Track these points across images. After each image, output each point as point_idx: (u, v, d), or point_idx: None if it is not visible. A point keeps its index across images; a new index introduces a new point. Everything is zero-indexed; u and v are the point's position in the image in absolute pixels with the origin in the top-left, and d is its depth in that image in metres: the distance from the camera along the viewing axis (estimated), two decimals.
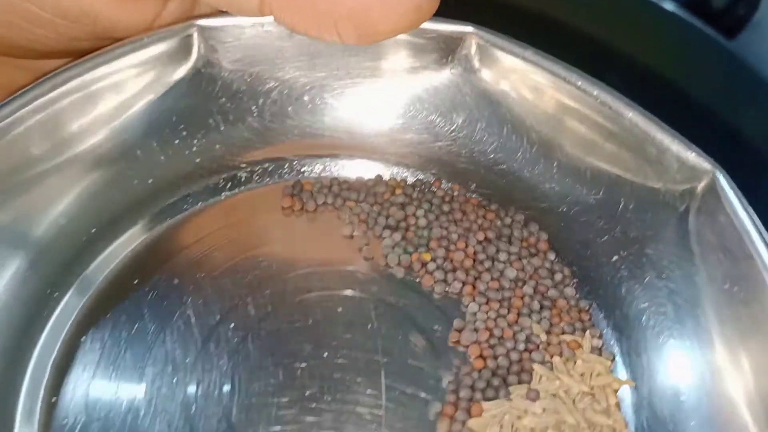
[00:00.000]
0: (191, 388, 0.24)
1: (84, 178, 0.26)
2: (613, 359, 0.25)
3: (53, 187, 0.25)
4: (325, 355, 0.25)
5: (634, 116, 0.25)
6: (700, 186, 0.24)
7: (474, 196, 0.29)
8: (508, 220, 0.28)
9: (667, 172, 0.25)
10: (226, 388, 0.24)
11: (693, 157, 0.25)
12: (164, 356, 0.24)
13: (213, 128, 0.28)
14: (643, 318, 0.26)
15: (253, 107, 0.29)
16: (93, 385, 0.24)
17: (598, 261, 0.27)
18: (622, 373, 0.25)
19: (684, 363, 0.24)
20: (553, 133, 0.27)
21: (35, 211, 0.25)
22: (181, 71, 0.27)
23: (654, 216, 0.26)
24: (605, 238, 0.27)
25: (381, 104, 0.29)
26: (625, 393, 0.25)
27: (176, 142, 0.28)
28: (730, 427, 0.22)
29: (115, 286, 0.26)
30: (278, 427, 0.23)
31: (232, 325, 0.25)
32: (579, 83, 0.26)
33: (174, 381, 0.24)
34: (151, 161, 0.27)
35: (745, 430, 0.22)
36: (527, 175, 0.28)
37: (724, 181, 0.24)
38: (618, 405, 0.24)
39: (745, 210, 0.24)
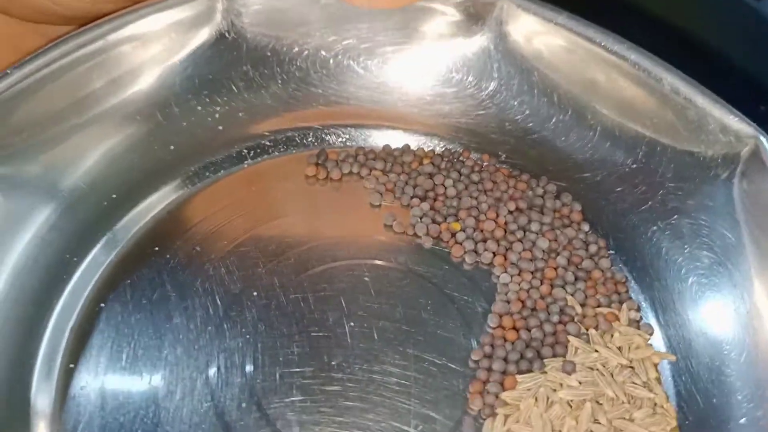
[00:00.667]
0: (213, 358, 0.23)
1: (106, 139, 0.25)
2: (652, 332, 0.24)
3: (78, 145, 0.25)
4: (352, 324, 0.24)
5: (673, 81, 0.24)
6: (744, 151, 0.23)
7: (504, 166, 0.28)
8: (539, 191, 0.27)
9: (708, 137, 0.24)
10: (249, 357, 0.23)
11: (735, 122, 0.24)
12: (185, 324, 0.23)
13: (236, 95, 0.28)
14: (684, 290, 0.24)
15: (278, 74, 0.28)
16: (112, 352, 0.23)
17: (636, 232, 0.26)
18: (660, 346, 0.24)
19: (727, 333, 0.23)
20: (587, 100, 0.26)
21: (61, 166, 0.25)
22: (205, 35, 0.26)
23: (694, 184, 0.25)
24: (643, 208, 0.26)
25: (409, 72, 0.28)
26: (665, 365, 0.24)
27: (199, 108, 0.27)
28: None
29: (135, 253, 0.25)
30: (302, 397, 0.22)
31: (255, 293, 0.24)
32: (615, 48, 0.25)
33: (196, 349, 0.23)
34: (172, 127, 0.27)
35: None
36: (560, 144, 0.27)
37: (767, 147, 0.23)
38: (658, 379, 0.23)
39: None
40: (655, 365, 0.23)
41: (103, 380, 0.22)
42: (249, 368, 0.23)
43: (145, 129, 0.26)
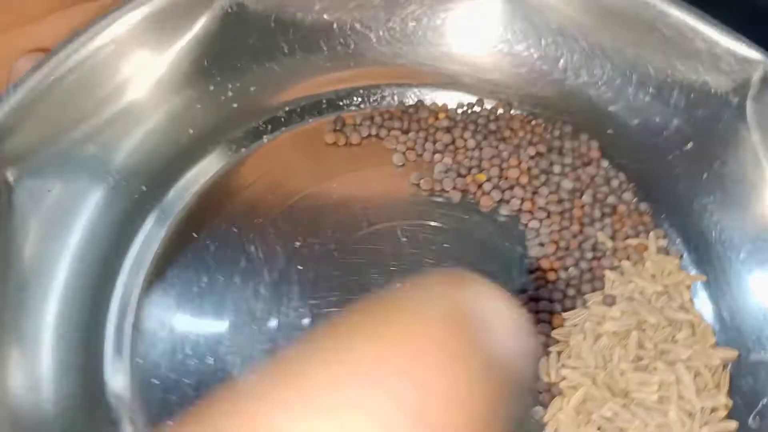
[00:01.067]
0: (272, 323, 0.24)
1: (128, 134, 0.25)
2: (681, 256, 0.25)
3: (103, 144, 0.25)
4: (398, 285, 0.25)
5: (679, 13, 0.25)
6: (755, 76, 0.24)
7: (519, 112, 0.28)
8: (557, 132, 0.28)
9: (718, 65, 0.25)
10: (306, 321, 0.24)
11: (744, 48, 0.24)
12: (241, 297, 0.24)
13: (246, 70, 0.27)
14: (705, 215, 0.26)
15: (283, 44, 0.28)
16: (176, 317, 0.24)
17: (653, 163, 0.27)
18: (691, 269, 0.25)
19: (753, 253, 0.25)
20: (596, 38, 0.27)
21: (96, 160, 0.25)
22: (210, 12, 0.26)
23: (707, 111, 0.26)
24: (659, 138, 0.27)
25: (414, 29, 0.28)
26: (697, 288, 0.25)
27: (211, 88, 0.27)
28: None
29: (174, 243, 0.25)
30: None
31: (300, 267, 0.25)
32: None
33: (255, 317, 0.24)
34: (188, 111, 0.27)
35: None
36: (571, 83, 0.28)
37: None
38: (692, 300, 0.24)
39: None
40: (688, 287, 0.25)
41: (170, 342, 0.23)
42: (307, 332, 0.24)
43: (163, 117, 0.26)
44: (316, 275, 0.25)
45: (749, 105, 0.25)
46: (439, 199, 0.27)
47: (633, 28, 0.26)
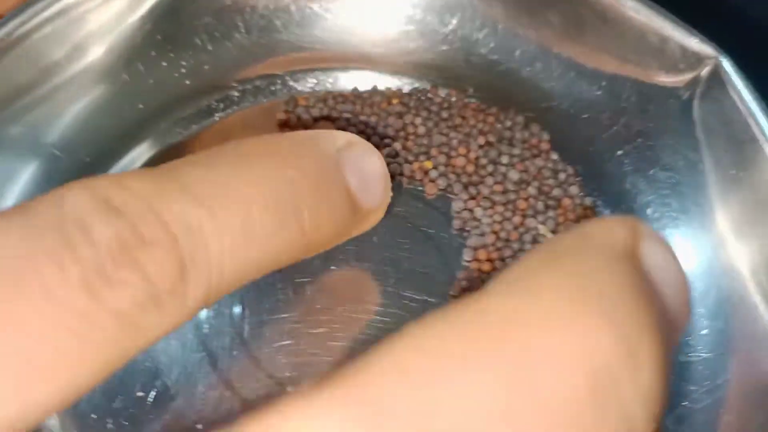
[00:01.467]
0: (201, 311, 0.24)
1: (73, 104, 0.25)
2: None
3: (49, 111, 0.25)
4: (333, 268, 0.25)
5: (633, 5, 0.25)
6: (704, 72, 0.24)
7: (473, 100, 0.28)
8: (508, 123, 0.27)
9: (670, 60, 0.24)
10: (237, 308, 0.24)
11: (696, 43, 0.24)
12: None
13: (200, 48, 0.28)
14: (648, 211, 0.25)
15: (240, 23, 0.28)
16: None
17: (602, 157, 0.26)
18: None
19: (691, 252, 0.24)
20: (550, 29, 0.27)
21: (37, 131, 0.25)
22: None
23: (657, 107, 0.25)
24: (608, 133, 0.26)
25: (371, 12, 0.28)
26: None
27: (164, 64, 0.27)
28: (740, 308, 0.23)
29: None
30: (290, 341, 0.23)
31: None
32: None
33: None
34: (139, 85, 0.27)
35: (754, 310, 0.22)
36: (526, 74, 0.28)
37: (728, 66, 0.23)
38: None
39: (750, 94, 0.23)
40: None
41: None
42: (237, 318, 0.24)
43: (112, 89, 0.26)
44: None
45: (696, 102, 0.24)
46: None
47: (586, 21, 0.26)
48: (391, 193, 0.18)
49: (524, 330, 0.08)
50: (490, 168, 0.27)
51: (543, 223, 0.26)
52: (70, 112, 0.25)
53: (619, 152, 0.26)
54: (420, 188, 0.27)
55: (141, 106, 0.27)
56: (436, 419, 0.08)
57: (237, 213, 0.13)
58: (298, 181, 0.14)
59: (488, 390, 0.08)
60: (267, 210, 0.13)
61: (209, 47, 0.28)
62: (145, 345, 0.12)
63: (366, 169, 0.15)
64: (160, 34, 0.27)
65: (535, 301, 0.08)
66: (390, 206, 0.26)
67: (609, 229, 0.10)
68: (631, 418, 0.08)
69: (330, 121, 0.28)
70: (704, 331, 0.23)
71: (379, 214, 0.17)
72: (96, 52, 0.26)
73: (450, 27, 0.28)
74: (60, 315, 0.11)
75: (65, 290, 0.11)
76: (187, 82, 0.28)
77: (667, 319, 0.09)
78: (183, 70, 0.27)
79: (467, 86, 0.28)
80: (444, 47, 0.28)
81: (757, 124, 0.23)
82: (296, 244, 0.14)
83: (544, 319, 0.08)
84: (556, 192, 0.26)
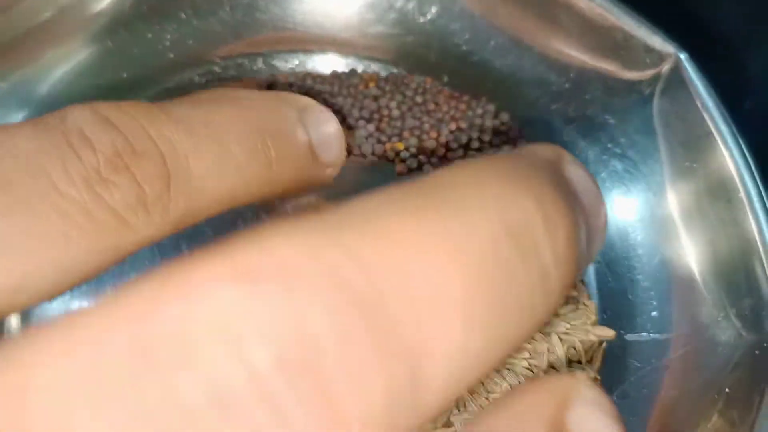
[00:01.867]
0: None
1: (59, 66, 0.26)
2: None
3: (30, 74, 0.25)
4: None
5: (601, 3, 0.26)
6: (665, 69, 0.25)
7: (446, 88, 0.29)
8: (479, 111, 0.29)
9: (634, 57, 0.26)
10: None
11: (658, 41, 0.25)
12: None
13: (185, 22, 0.28)
14: (607, 198, 0.26)
15: (226, 1, 0.29)
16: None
17: (567, 147, 0.27)
18: None
19: (644, 241, 0.25)
20: (523, 24, 0.28)
21: (22, 89, 0.25)
22: None
23: (621, 100, 0.26)
24: (573, 124, 0.27)
25: (348, 3, 0.29)
26: (590, 267, 0.26)
27: (149, 35, 0.28)
28: (686, 292, 0.24)
29: None
30: None
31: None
32: None
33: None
34: (124, 54, 0.27)
35: (699, 293, 0.23)
36: (499, 65, 0.29)
37: (687, 64, 0.25)
38: (582, 280, 0.25)
39: (707, 90, 0.24)
40: None
41: None
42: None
43: (96, 56, 0.27)
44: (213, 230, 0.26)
45: (656, 97, 0.25)
46: (357, 162, 0.28)
47: (557, 17, 0.27)
48: (345, 154, 0.19)
49: (461, 192, 0.09)
50: (460, 152, 0.28)
51: None
52: (55, 74, 0.26)
53: (583, 143, 0.27)
54: (391, 167, 0.27)
55: (125, 75, 0.28)
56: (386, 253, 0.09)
57: (215, 142, 0.15)
58: (267, 123, 0.16)
59: (433, 240, 0.09)
60: (239, 142, 0.15)
61: (194, 22, 0.28)
62: (133, 246, 0.14)
63: (323, 128, 0.17)
64: (146, 5, 0.27)
65: (471, 175, 0.10)
66: (361, 182, 0.27)
67: (538, 148, 0.11)
68: (547, 274, 0.09)
69: None
70: (654, 313, 0.24)
71: (336, 170, 0.19)
72: (82, 17, 0.26)
73: (429, 17, 0.29)
74: (62, 204, 0.13)
75: (68, 185, 0.13)
76: (171, 55, 0.28)
77: (582, 220, 0.10)
78: (167, 43, 0.28)
79: (442, 74, 0.29)
80: (422, 36, 0.29)
81: (712, 119, 0.24)
82: (264, 175, 0.16)
83: (478, 186, 0.09)
84: None
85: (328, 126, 0.18)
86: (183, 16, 0.28)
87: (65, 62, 0.26)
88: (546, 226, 0.09)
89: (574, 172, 0.11)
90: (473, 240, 0.09)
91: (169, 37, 0.28)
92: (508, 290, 0.09)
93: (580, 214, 0.10)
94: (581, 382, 0.11)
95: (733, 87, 0.26)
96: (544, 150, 0.11)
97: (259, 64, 0.29)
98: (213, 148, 0.15)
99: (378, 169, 0.27)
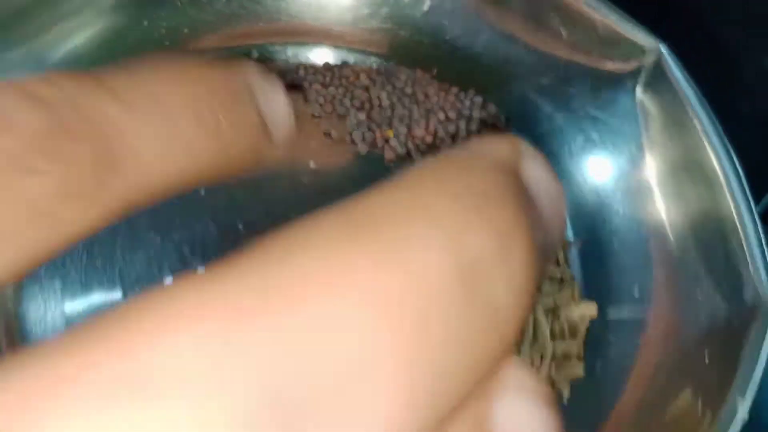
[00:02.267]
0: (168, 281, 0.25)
1: (51, 50, 0.27)
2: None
3: (42, 43, 0.26)
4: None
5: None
6: (648, 62, 0.26)
7: (436, 80, 0.30)
8: (468, 102, 0.29)
9: (618, 51, 0.26)
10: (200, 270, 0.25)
11: (641, 36, 0.26)
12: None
13: (181, 11, 0.29)
14: (597, 186, 0.27)
15: None
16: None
17: (554, 139, 0.28)
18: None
19: (626, 225, 0.26)
20: (512, 20, 0.28)
21: (37, 58, 0.26)
22: None
23: (606, 93, 0.27)
24: (560, 116, 0.28)
25: None
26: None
27: (145, 23, 0.29)
28: (664, 268, 0.24)
29: None
30: None
31: (197, 218, 0.27)
32: None
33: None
34: (118, 39, 0.28)
35: (675, 271, 0.24)
36: (487, 59, 0.29)
37: (668, 57, 0.25)
38: (566, 258, 0.26)
39: (688, 82, 0.25)
40: (564, 247, 0.26)
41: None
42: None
43: (88, 37, 0.27)
44: (216, 226, 0.26)
45: (638, 91, 0.26)
46: (348, 150, 0.28)
47: (545, 13, 0.27)
48: (294, 129, 0.19)
49: (401, 218, 0.08)
50: (448, 141, 0.28)
51: None
52: (50, 54, 0.27)
53: (568, 134, 0.28)
54: (380, 155, 0.28)
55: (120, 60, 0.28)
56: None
57: (158, 115, 0.13)
58: (215, 91, 0.14)
59: (362, 273, 0.08)
60: (186, 113, 0.13)
61: (189, 12, 0.29)
62: (69, 238, 0.12)
63: (273, 99, 0.16)
64: None
65: (417, 196, 0.09)
66: (351, 169, 0.28)
67: (492, 144, 0.10)
68: (501, 307, 0.08)
69: (301, 90, 0.29)
70: (634, 287, 0.25)
71: (287, 146, 0.18)
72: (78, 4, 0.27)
73: (421, 11, 0.30)
74: None
75: None
76: (166, 43, 0.29)
77: (541, 225, 0.10)
78: (163, 31, 0.29)
79: (432, 67, 0.30)
80: (414, 30, 0.30)
81: (693, 110, 0.25)
82: (215, 151, 0.14)
83: (424, 215, 0.08)
84: None
85: (278, 100, 0.17)
86: (179, 4, 0.29)
87: (62, 44, 0.27)
88: (501, 255, 0.08)
89: (533, 172, 0.10)
90: (413, 289, 0.08)
91: (164, 24, 0.29)
92: (456, 338, 0.08)
93: (538, 219, 0.10)
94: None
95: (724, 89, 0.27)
96: (500, 147, 0.10)
97: (253, 54, 0.30)
98: (156, 119, 0.13)
99: (368, 157, 0.28)
